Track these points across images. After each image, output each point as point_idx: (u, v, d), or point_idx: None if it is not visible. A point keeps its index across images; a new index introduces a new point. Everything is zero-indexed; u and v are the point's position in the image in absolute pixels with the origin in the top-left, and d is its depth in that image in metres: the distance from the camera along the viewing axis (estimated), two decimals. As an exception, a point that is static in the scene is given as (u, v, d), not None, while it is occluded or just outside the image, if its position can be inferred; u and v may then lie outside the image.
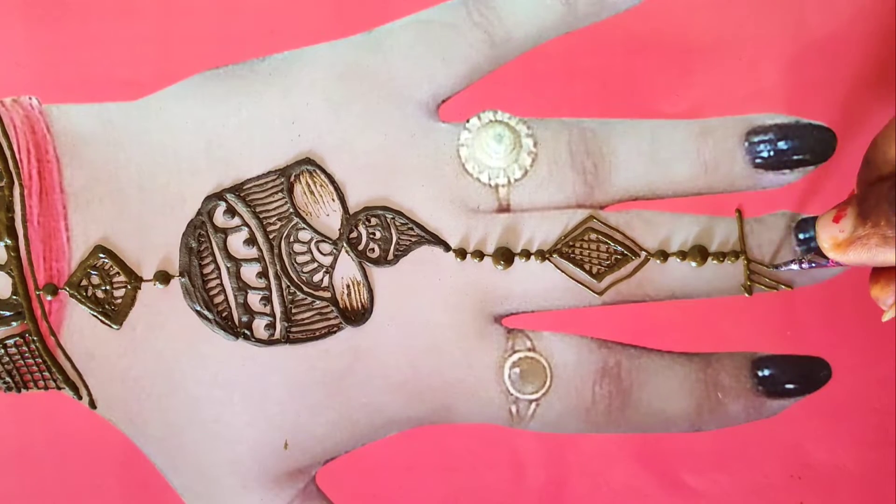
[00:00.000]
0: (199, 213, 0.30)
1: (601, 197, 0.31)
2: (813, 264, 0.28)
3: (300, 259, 0.30)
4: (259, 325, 0.30)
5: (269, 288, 0.30)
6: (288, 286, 0.30)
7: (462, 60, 0.31)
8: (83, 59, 0.31)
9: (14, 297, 0.29)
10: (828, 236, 0.26)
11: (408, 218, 0.30)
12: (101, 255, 0.29)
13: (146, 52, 0.31)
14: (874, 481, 0.32)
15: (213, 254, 0.30)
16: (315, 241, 0.30)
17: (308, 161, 0.30)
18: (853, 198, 0.26)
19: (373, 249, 0.30)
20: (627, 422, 0.31)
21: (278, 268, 0.30)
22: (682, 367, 0.31)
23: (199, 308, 0.30)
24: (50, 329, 0.29)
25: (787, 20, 0.32)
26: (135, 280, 0.29)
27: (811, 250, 0.30)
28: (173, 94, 0.31)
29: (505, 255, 0.30)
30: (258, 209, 0.30)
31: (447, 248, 0.30)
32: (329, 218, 0.30)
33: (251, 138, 0.30)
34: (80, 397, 0.30)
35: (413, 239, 0.30)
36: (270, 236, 0.30)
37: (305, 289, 0.30)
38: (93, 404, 0.30)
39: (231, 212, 0.30)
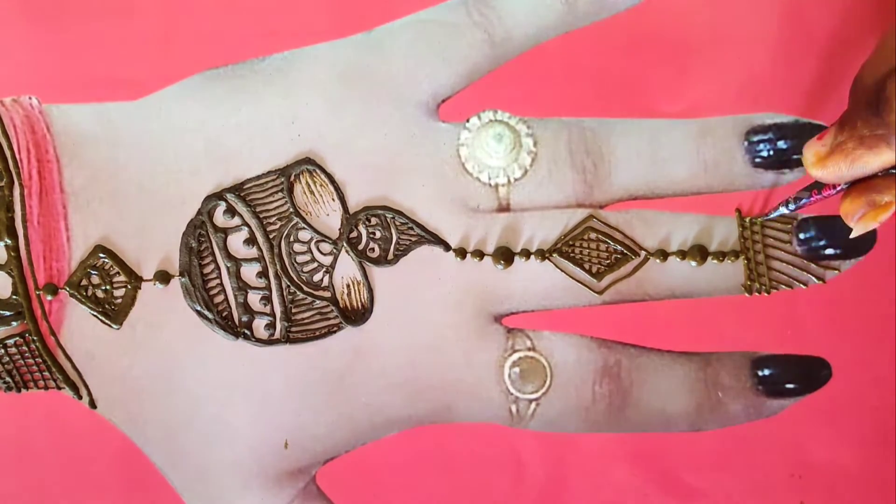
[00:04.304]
0: (199, 212, 0.30)
1: (601, 196, 0.31)
2: (801, 201, 0.28)
3: (300, 259, 0.30)
4: (259, 324, 0.30)
5: (269, 288, 0.30)
6: (288, 286, 0.30)
7: (462, 60, 0.31)
8: (83, 59, 0.31)
9: (14, 297, 0.29)
10: (811, 153, 0.26)
11: (408, 217, 0.30)
12: (101, 255, 0.29)
13: (147, 52, 0.31)
14: (874, 481, 0.32)
15: (213, 253, 0.30)
16: (315, 240, 0.30)
17: (308, 161, 0.30)
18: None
19: (373, 249, 0.30)
20: (627, 421, 0.31)
21: (278, 267, 0.30)
22: (682, 367, 0.31)
23: (199, 308, 0.30)
24: (50, 329, 0.29)
25: (787, 20, 0.32)
26: (135, 280, 0.29)
27: (812, 250, 0.30)
28: (173, 94, 0.31)
29: (505, 255, 0.30)
30: (258, 209, 0.30)
31: (447, 247, 0.30)
32: (329, 218, 0.30)
33: (251, 138, 0.30)
34: (80, 397, 0.30)
35: (413, 238, 0.30)
36: (270, 236, 0.30)
37: (305, 288, 0.30)
38: (93, 404, 0.30)
39: (231, 211, 0.30)
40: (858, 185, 0.26)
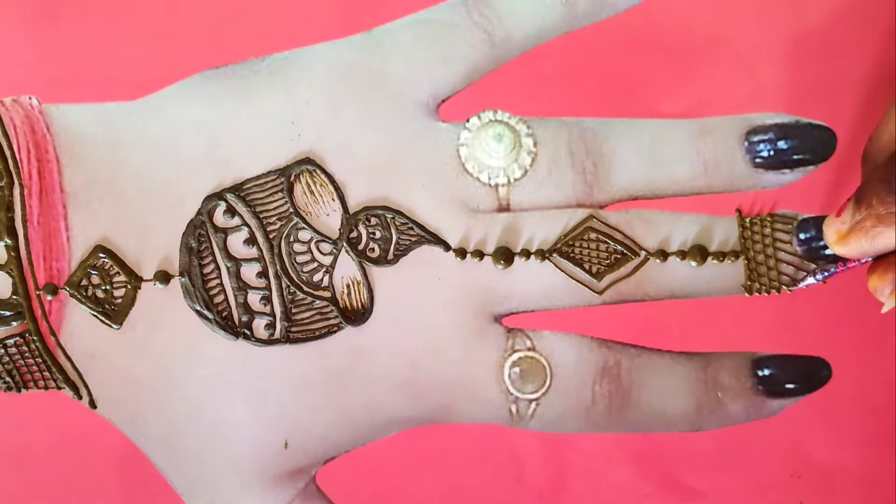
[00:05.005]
0: (199, 212, 0.30)
1: (601, 196, 0.31)
2: (826, 273, 0.28)
3: (300, 259, 0.30)
4: (259, 324, 0.30)
5: (269, 288, 0.30)
6: (288, 286, 0.30)
7: (462, 60, 0.31)
8: (83, 59, 0.31)
9: (14, 297, 0.29)
10: (832, 231, 0.26)
11: (408, 217, 0.30)
12: (102, 255, 0.29)
13: (146, 52, 0.31)
14: (874, 481, 0.32)
15: (213, 253, 0.30)
16: (315, 240, 0.30)
17: (308, 161, 0.30)
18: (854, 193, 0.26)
19: (373, 249, 0.30)
20: (627, 421, 0.31)
21: (278, 267, 0.30)
22: (682, 367, 0.31)
23: (199, 308, 0.29)
24: (50, 329, 0.29)
25: (787, 20, 0.32)
26: (135, 280, 0.29)
27: (812, 250, 0.30)
28: (173, 94, 0.31)
29: (505, 255, 0.30)
30: (258, 209, 0.30)
31: (447, 247, 0.30)
32: (329, 218, 0.30)
33: (251, 138, 0.30)
34: (80, 397, 0.30)
35: (413, 238, 0.30)
36: (270, 236, 0.30)
37: (305, 288, 0.30)
38: (93, 404, 0.30)
39: (231, 211, 0.30)
40: (884, 262, 0.26)
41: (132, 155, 0.30)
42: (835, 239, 0.26)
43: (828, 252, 0.30)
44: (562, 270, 0.30)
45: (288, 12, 0.31)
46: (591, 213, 0.30)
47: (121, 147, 0.30)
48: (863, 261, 0.27)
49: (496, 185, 0.31)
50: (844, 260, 0.28)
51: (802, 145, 0.30)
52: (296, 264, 0.30)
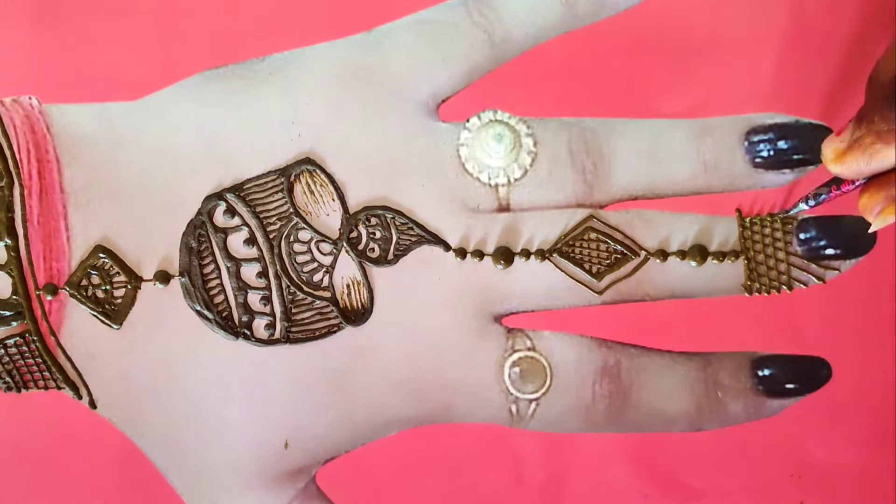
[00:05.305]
0: (199, 212, 0.30)
1: (601, 196, 0.31)
2: (820, 197, 0.28)
3: (300, 259, 0.30)
4: (259, 324, 0.30)
5: (269, 288, 0.30)
6: (288, 286, 0.30)
7: (462, 60, 0.31)
8: (83, 59, 0.31)
9: (14, 297, 0.29)
10: (830, 150, 0.26)
11: (408, 217, 0.30)
12: (102, 255, 0.29)
13: (146, 52, 0.31)
14: (874, 481, 0.32)
15: (213, 254, 0.30)
16: (315, 240, 0.30)
17: (308, 161, 0.30)
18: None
19: (373, 249, 0.30)
20: (627, 421, 0.31)
21: (278, 267, 0.30)
22: (682, 367, 0.31)
23: (199, 308, 0.30)
24: (50, 329, 0.29)
25: (787, 20, 0.32)
26: (135, 280, 0.29)
27: (812, 250, 0.30)
28: (173, 94, 0.31)
29: (505, 255, 0.30)
30: (258, 209, 0.30)
31: (447, 247, 0.30)
32: (329, 218, 0.30)
33: (251, 138, 0.30)
34: (80, 397, 0.30)
35: (413, 238, 0.30)
36: (270, 236, 0.30)
37: (305, 288, 0.30)
38: (93, 404, 0.30)
39: (231, 212, 0.30)
40: (877, 181, 0.26)
41: (132, 155, 0.30)
42: (832, 157, 0.26)
43: (829, 252, 0.30)
44: (562, 270, 0.30)
45: (288, 12, 0.31)
46: (591, 213, 0.31)
47: (121, 147, 0.30)
48: (856, 184, 0.26)
49: (496, 185, 0.31)
50: (838, 184, 0.27)
51: (802, 145, 0.30)
52: (296, 264, 0.30)
